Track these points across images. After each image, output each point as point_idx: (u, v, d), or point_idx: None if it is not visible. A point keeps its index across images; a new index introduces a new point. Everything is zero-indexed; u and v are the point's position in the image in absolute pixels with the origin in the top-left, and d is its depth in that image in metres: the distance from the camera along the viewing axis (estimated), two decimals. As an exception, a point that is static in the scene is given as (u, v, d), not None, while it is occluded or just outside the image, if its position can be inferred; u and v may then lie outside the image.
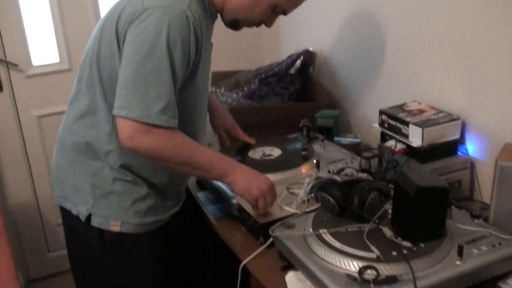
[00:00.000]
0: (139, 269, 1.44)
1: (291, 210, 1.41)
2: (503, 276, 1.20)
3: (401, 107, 1.70)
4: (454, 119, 1.56)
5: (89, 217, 1.38)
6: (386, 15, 1.84)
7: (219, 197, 1.60)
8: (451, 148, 1.58)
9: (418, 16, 1.70)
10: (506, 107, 1.45)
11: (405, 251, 1.15)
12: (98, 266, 1.43)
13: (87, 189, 1.38)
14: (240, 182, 1.35)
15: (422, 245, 1.18)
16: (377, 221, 1.26)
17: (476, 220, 1.30)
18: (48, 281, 2.76)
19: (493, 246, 1.20)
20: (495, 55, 1.45)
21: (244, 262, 1.34)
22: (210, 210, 1.60)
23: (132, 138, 1.23)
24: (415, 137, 1.55)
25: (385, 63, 1.90)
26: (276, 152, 1.74)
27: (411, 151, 1.58)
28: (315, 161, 1.64)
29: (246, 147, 1.76)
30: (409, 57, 1.78)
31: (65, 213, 1.45)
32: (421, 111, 1.64)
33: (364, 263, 1.12)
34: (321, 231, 1.25)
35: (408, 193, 1.17)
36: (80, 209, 1.39)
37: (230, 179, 1.35)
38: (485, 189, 1.55)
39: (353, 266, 1.13)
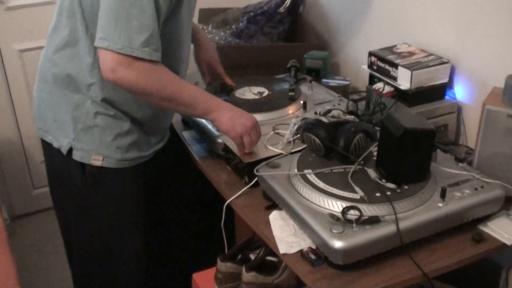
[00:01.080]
0: (120, 204, 1.44)
1: (276, 150, 1.40)
2: (484, 219, 1.22)
3: (390, 49, 1.67)
4: (443, 63, 1.54)
5: (70, 151, 1.36)
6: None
7: (204, 136, 1.58)
8: (439, 92, 1.56)
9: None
10: (496, 51, 1.43)
11: (388, 193, 1.16)
12: (80, 201, 1.43)
13: (69, 123, 1.35)
14: (224, 119, 1.33)
15: (406, 187, 1.18)
16: (362, 162, 1.26)
17: (460, 164, 1.30)
18: (33, 217, 2.77)
19: (476, 189, 1.21)
20: (489, -3, 1.42)
21: (228, 201, 1.34)
22: (195, 149, 1.59)
23: (114, 71, 1.20)
24: (404, 80, 1.54)
25: (376, 3, 1.85)
26: (263, 92, 1.71)
27: (399, 94, 1.56)
28: (302, 102, 1.62)
29: (229, 87, 1.73)
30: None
31: (47, 147, 1.43)
32: (411, 54, 1.61)
33: (348, 204, 1.13)
34: (306, 171, 1.25)
35: (394, 134, 1.16)
36: (61, 143, 1.37)
37: (214, 116, 1.34)
38: (471, 134, 1.55)
39: (337, 206, 1.14)
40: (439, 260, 1.12)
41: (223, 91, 1.70)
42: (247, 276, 1.23)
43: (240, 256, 1.35)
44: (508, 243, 1.16)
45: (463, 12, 1.50)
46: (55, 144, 1.39)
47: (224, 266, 1.30)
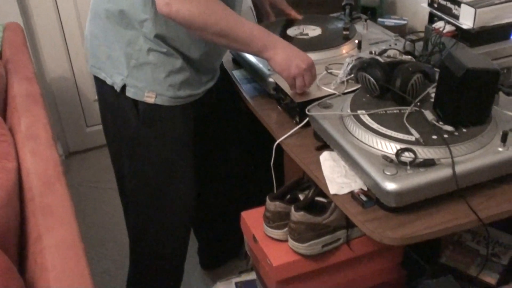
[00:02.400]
0: (172, 142, 1.45)
1: (329, 90, 1.37)
2: (546, 166, 1.16)
3: (453, -15, 1.58)
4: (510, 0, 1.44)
5: (123, 88, 1.37)
6: None
7: (255, 76, 1.56)
8: (504, 31, 1.47)
9: None
10: None
11: (446, 135, 1.12)
12: (133, 139, 1.44)
13: (122, 59, 1.35)
14: (279, 58, 1.30)
15: (464, 130, 1.14)
16: (418, 104, 1.21)
17: (523, 108, 1.24)
18: (86, 154, 2.85)
19: (540, 134, 1.15)
20: None
21: (278, 140, 1.33)
22: (246, 89, 1.58)
23: (169, 4, 1.18)
24: (467, 19, 1.45)
25: None
26: (316, 31, 1.66)
27: (460, 33, 1.48)
28: (356, 41, 1.56)
29: (289, 23, 1.68)
30: None
31: (100, 83, 1.44)
32: (475, -10, 1.52)
33: (402, 145, 1.09)
34: (359, 112, 1.22)
35: (455, 74, 1.10)
36: (114, 79, 1.38)
37: (269, 55, 1.30)
38: (536, 77, 1.46)
39: (391, 148, 1.11)
40: (496, 206, 1.09)
41: (280, 28, 1.65)
42: (296, 215, 1.23)
43: (289, 196, 1.35)
44: None
45: None
46: (109, 81, 1.40)
47: (273, 205, 1.30)
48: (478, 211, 1.06)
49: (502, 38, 1.48)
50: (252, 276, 1.58)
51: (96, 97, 1.54)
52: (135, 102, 1.38)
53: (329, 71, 1.45)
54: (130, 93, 1.37)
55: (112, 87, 1.39)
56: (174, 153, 1.47)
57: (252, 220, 1.40)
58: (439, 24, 1.53)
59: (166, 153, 1.46)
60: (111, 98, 1.43)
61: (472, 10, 1.43)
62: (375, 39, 1.62)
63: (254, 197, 1.50)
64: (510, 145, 1.11)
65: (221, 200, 1.82)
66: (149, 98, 1.36)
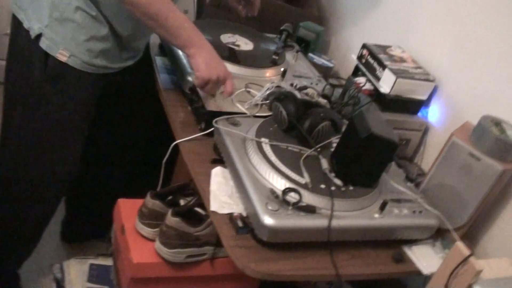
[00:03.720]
0: (72, 106, 1.38)
1: (242, 108, 1.37)
2: (410, 241, 1.24)
3: (384, 48, 1.65)
4: (428, 80, 1.53)
5: (38, 36, 1.29)
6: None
7: (176, 69, 1.53)
8: (414, 106, 1.56)
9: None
10: (481, 88, 1.42)
11: (333, 188, 1.16)
12: (33, 90, 1.36)
13: (46, 7, 1.27)
14: (201, 58, 1.29)
15: (351, 188, 1.18)
16: (319, 150, 1.24)
17: (408, 183, 1.31)
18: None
19: (414, 212, 1.22)
20: (487, 32, 1.40)
21: (178, 141, 1.31)
22: (163, 79, 1.54)
23: None
24: (386, 83, 1.52)
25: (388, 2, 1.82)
26: (248, 45, 1.66)
27: (376, 95, 1.55)
28: (282, 69, 1.59)
29: (225, 29, 1.67)
30: (407, 2, 1.70)
31: (16, 23, 1.35)
32: (402, 60, 1.59)
33: (291, 185, 1.12)
34: (262, 139, 1.23)
35: (359, 134, 1.15)
36: (32, 25, 1.29)
37: (192, 52, 1.29)
38: (428, 157, 1.56)
39: (280, 184, 1.13)
40: (356, 267, 1.14)
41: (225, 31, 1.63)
42: (171, 220, 1.22)
43: (170, 197, 1.34)
44: (424, 271, 1.18)
45: (464, 41, 1.48)
46: (25, 25, 1.31)
47: (152, 202, 1.28)
48: (340, 267, 1.11)
49: (411, 112, 1.56)
50: (109, 262, 1.55)
51: (9, 31, 1.44)
52: (46, 55, 1.30)
53: (247, 89, 1.46)
54: (44, 44, 1.29)
55: (27, 32, 1.31)
56: (71, 117, 1.41)
57: (127, 210, 1.37)
58: (360, 80, 1.59)
59: (63, 114, 1.39)
60: (23, 42, 1.34)
61: (393, 77, 1.50)
62: (300, 73, 1.66)
63: (138, 188, 1.46)
64: (386, 214, 1.18)
65: (104, 179, 1.76)
66: (62, 56, 1.29)
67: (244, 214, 1.14)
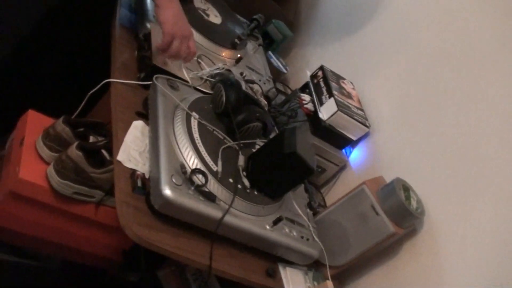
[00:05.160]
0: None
1: (186, 76, 1.35)
2: (286, 261, 1.27)
3: (339, 78, 1.68)
4: (364, 125, 1.58)
5: None
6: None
7: (138, 10, 1.48)
8: (342, 142, 1.60)
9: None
10: (405, 152, 1.49)
11: (239, 186, 1.17)
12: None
13: None
14: (170, 11, 1.25)
15: (256, 193, 1.20)
16: (241, 145, 1.25)
17: (308, 210, 1.35)
18: None
19: (302, 237, 1.26)
20: (422, 108, 1.47)
21: (112, 79, 1.27)
22: (123, 13, 1.48)
23: None
24: (326, 111, 1.55)
25: (359, 35, 1.85)
26: (217, 19, 1.64)
27: (313, 117, 1.58)
28: (238, 56, 1.58)
29: None
30: (377, 49, 1.75)
31: None
32: (349, 96, 1.64)
33: (202, 168, 1.12)
34: (194, 113, 1.22)
35: (283, 148, 1.16)
36: None
37: (163, 2, 1.25)
38: (335, 193, 1.61)
39: (192, 162, 1.12)
40: (230, 266, 1.16)
41: None
42: (74, 151, 1.18)
43: (82, 129, 1.29)
44: (288, 293, 1.22)
45: (404, 107, 1.54)
46: None
47: (62, 127, 1.23)
48: (215, 260, 1.12)
49: (337, 145, 1.61)
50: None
51: None
52: None
53: (199, 59, 1.44)
54: None
55: None
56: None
57: (34, 123, 1.31)
58: (305, 97, 1.61)
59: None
60: None
61: (335, 108, 1.53)
62: (253, 66, 1.66)
63: (54, 108, 1.39)
64: (277, 229, 1.20)
65: (27, 86, 1.67)
66: None
67: (147, 176, 1.13)
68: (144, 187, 1.10)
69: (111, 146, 1.18)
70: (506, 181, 1.22)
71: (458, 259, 1.24)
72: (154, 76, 1.25)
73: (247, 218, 1.16)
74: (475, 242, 1.22)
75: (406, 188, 1.32)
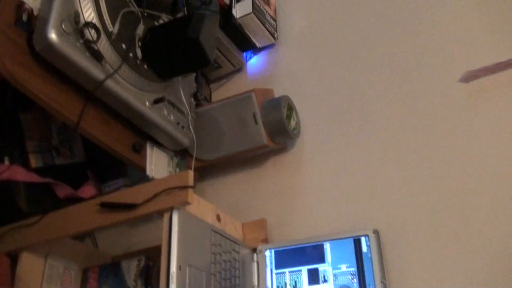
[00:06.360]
0: None
1: None
2: (156, 142, 1.27)
3: None
4: (273, 36, 1.57)
5: None
6: None
7: None
8: (245, 45, 1.57)
9: None
10: (299, 73, 1.51)
11: (131, 54, 1.12)
12: None
13: None
14: None
15: (145, 67, 1.16)
16: (145, 14, 1.19)
17: (192, 99, 1.35)
18: None
19: (178, 123, 1.26)
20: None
21: None
22: None
23: None
24: (241, 9, 1.51)
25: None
26: None
27: (226, 11, 1.52)
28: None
29: None
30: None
31: None
32: (267, 2, 1.60)
33: (98, 24, 1.05)
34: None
35: (187, 31, 1.12)
36: None
37: None
38: (222, 91, 1.61)
39: (89, 15, 1.05)
40: (98, 130, 1.13)
41: None
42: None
43: None
44: (148, 172, 1.23)
45: (320, 25, 1.56)
46: None
47: None
48: (85, 120, 1.09)
49: (239, 47, 1.58)
50: None
51: None
52: None
53: None
54: None
55: None
56: None
57: None
58: None
59: None
60: None
61: (250, 9, 1.49)
62: None
63: None
64: (155, 108, 1.19)
65: None
66: None
67: (35, 12, 1.04)
68: (30, 23, 1.02)
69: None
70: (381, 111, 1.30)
71: (319, 183, 1.32)
72: None
73: (129, 89, 1.13)
74: (337, 171, 1.30)
75: (291, 108, 1.35)
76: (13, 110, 1.26)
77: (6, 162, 1.23)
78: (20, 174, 1.22)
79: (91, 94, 1.07)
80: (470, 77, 1.22)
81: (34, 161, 1.26)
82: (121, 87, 1.10)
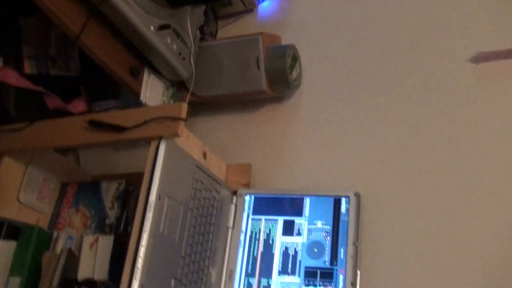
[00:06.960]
0: None
1: None
2: (155, 70, 1.25)
3: None
4: None
5: None
6: None
7: None
8: None
9: None
10: (313, 25, 1.48)
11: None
12: None
13: None
14: None
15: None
16: None
17: (198, 32, 1.31)
18: None
19: (179, 54, 1.23)
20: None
21: None
22: None
23: None
24: None
25: None
26: None
27: None
28: None
29: None
30: None
31: None
32: None
33: None
34: None
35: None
36: None
37: None
38: (229, 30, 1.57)
39: None
40: (98, 46, 1.11)
41: None
42: None
43: None
44: (142, 98, 1.21)
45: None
46: None
47: None
48: (86, 34, 1.06)
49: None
50: None
51: None
52: None
53: None
54: None
55: None
56: None
57: None
58: None
59: None
60: None
61: None
62: None
63: None
64: (159, 35, 1.16)
65: None
66: None
67: None
68: None
69: None
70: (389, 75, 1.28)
71: (310, 138, 1.31)
72: None
73: (136, 9, 1.09)
74: (330, 129, 1.30)
75: (295, 58, 1.33)
76: (14, 12, 1.23)
77: (0, 63, 1.21)
78: (12, 78, 1.20)
79: (96, 7, 1.04)
80: (481, 58, 1.20)
81: (28, 67, 1.24)
82: (128, 5, 1.07)
